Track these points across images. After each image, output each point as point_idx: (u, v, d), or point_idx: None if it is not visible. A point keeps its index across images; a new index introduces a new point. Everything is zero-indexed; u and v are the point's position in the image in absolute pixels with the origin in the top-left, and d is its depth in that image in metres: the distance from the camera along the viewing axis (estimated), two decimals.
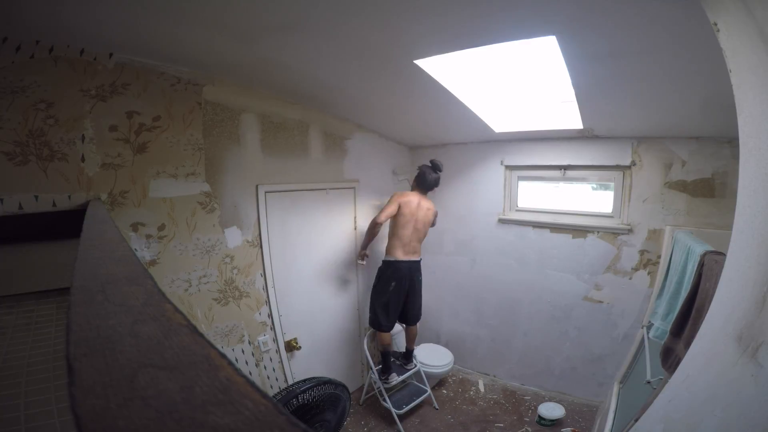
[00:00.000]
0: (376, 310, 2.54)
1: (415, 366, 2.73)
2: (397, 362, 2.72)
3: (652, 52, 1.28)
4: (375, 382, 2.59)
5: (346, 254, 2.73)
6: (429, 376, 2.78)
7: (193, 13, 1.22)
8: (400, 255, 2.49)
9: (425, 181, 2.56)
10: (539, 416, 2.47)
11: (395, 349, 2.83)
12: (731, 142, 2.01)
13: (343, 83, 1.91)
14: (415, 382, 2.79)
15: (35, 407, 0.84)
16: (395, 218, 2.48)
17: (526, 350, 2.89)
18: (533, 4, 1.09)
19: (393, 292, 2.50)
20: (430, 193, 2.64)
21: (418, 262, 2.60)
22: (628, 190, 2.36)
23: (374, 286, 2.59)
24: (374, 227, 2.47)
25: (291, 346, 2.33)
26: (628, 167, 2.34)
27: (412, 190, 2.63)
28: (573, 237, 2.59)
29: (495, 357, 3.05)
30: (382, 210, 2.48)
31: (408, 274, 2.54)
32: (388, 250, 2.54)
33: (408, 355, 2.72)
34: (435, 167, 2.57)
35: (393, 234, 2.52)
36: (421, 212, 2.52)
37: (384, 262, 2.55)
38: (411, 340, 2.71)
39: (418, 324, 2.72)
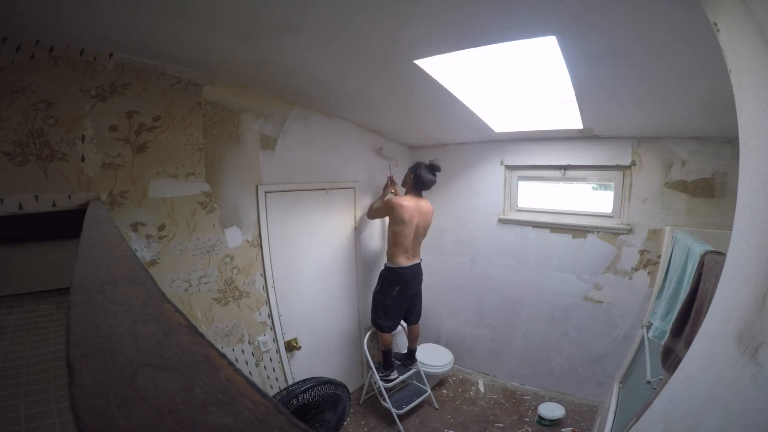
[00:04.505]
0: (377, 312, 2.55)
1: (416, 366, 2.73)
2: (398, 363, 2.72)
3: (652, 52, 1.28)
4: (375, 382, 2.59)
5: (346, 254, 2.73)
6: (429, 376, 2.78)
7: (193, 13, 1.21)
8: (404, 261, 2.50)
9: (423, 184, 2.49)
10: (539, 416, 2.47)
11: (396, 349, 2.84)
12: (731, 142, 2.01)
13: (342, 83, 1.91)
14: (415, 382, 2.79)
15: (35, 407, 0.84)
16: (394, 227, 2.46)
17: (526, 350, 2.89)
18: (533, 4, 1.09)
19: (397, 296, 2.51)
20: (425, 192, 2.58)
21: (419, 264, 2.62)
22: (628, 190, 2.36)
23: (377, 290, 2.58)
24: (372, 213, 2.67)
25: (291, 346, 2.33)
26: (628, 167, 2.34)
27: (406, 192, 2.57)
28: (573, 237, 2.59)
29: (495, 357, 3.05)
30: (375, 207, 2.63)
31: (413, 278, 2.56)
32: (391, 257, 2.52)
33: (411, 355, 2.73)
34: (433, 168, 2.49)
35: (394, 243, 2.49)
36: (421, 217, 2.50)
37: (388, 268, 2.54)
38: (414, 340, 2.71)
39: (419, 323, 2.72)
